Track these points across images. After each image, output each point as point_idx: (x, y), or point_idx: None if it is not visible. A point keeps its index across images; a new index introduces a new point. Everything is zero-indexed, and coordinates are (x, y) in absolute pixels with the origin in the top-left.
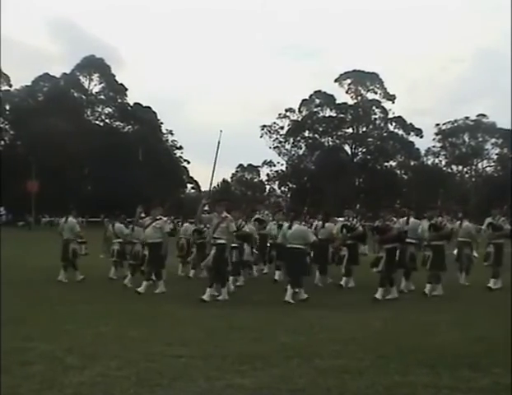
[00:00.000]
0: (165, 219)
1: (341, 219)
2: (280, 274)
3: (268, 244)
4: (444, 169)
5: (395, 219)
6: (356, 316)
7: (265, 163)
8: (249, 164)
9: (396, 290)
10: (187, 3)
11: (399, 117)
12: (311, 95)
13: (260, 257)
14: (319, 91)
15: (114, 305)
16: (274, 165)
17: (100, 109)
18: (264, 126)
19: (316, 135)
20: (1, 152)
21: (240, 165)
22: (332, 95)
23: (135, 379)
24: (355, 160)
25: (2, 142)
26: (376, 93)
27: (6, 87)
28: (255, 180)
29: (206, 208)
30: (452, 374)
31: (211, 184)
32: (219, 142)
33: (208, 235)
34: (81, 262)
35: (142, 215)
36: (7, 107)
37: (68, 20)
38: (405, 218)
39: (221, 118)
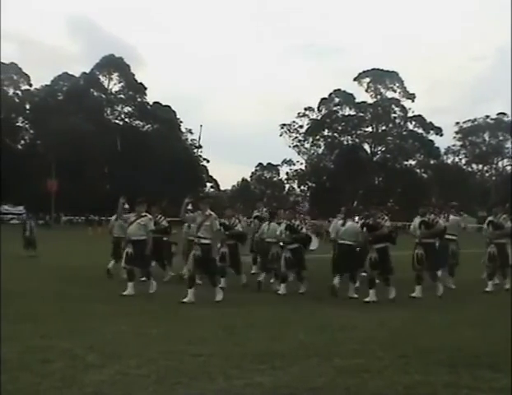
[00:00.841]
0: (149, 216)
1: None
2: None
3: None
4: (464, 167)
5: (386, 217)
6: (375, 315)
7: (284, 162)
8: (269, 163)
9: (393, 291)
10: (206, 2)
11: (419, 115)
12: (330, 94)
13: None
14: (339, 90)
15: (134, 304)
16: (293, 164)
17: (119, 108)
18: (284, 125)
19: (335, 134)
20: (21, 151)
21: (260, 164)
22: (351, 94)
23: (154, 378)
24: (374, 158)
25: (22, 141)
26: (396, 92)
27: (26, 86)
28: (274, 179)
29: (189, 207)
30: (472, 374)
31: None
32: (201, 126)
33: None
34: (105, 261)
35: (126, 206)
36: (27, 106)
37: (88, 19)
38: (446, 214)
39: (241, 116)
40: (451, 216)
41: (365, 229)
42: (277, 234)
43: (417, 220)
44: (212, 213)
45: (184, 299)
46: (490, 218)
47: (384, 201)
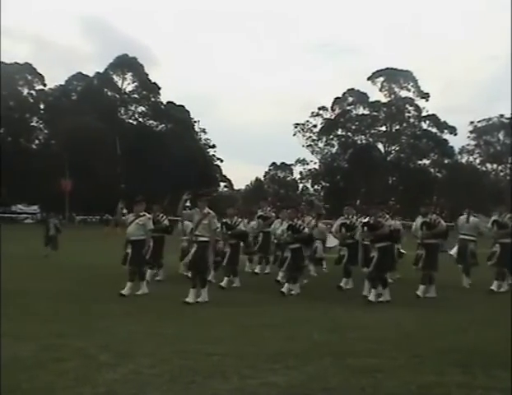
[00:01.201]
0: (148, 215)
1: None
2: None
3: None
4: (479, 167)
5: (387, 216)
6: (389, 315)
7: (298, 161)
8: (282, 163)
9: (388, 293)
10: (220, 2)
11: (433, 115)
12: (344, 94)
13: (263, 256)
14: (352, 89)
15: (148, 303)
16: (307, 164)
17: (133, 108)
18: (297, 124)
19: (349, 133)
20: (35, 151)
21: (273, 164)
22: (365, 93)
23: (168, 377)
24: (388, 158)
25: (37, 141)
26: (409, 91)
27: (41, 86)
28: (288, 179)
29: (187, 204)
30: (486, 374)
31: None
32: (117, 138)
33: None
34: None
35: (124, 211)
36: (42, 106)
37: (102, 20)
38: (465, 216)
39: (254, 116)
40: (471, 218)
41: (365, 228)
42: (279, 234)
43: (419, 220)
44: (211, 211)
45: (186, 299)
46: (494, 217)
47: (386, 199)
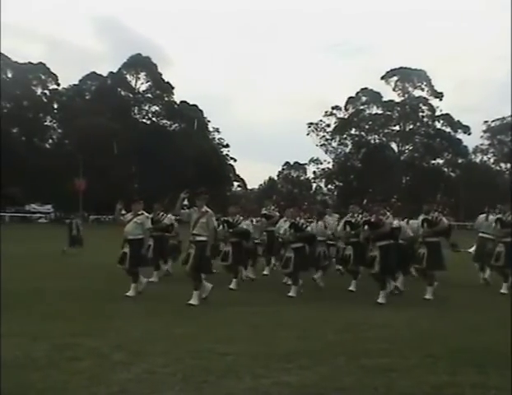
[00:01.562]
0: (146, 214)
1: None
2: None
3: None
4: (493, 166)
5: (388, 213)
6: (402, 314)
7: (311, 161)
8: (296, 162)
9: (384, 296)
10: (233, 2)
11: (447, 114)
12: (357, 93)
13: (267, 255)
14: (366, 89)
15: (161, 302)
16: (321, 163)
17: (146, 108)
18: (311, 123)
19: (362, 133)
20: (49, 150)
21: (287, 163)
22: (378, 93)
23: (181, 376)
24: (401, 157)
25: (50, 141)
26: (423, 90)
27: (54, 86)
28: (301, 178)
29: (185, 203)
30: (500, 374)
31: None
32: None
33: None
34: None
35: (123, 212)
36: (55, 106)
37: (115, 20)
38: (485, 214)
39: (268, 115)
40: (490, 216)
41: (366, 226)
42: (281, 233)
43: (421, 218)
44: (209, 210)
45: (190, 301)
46: (498, 216)
47: (388, 197)
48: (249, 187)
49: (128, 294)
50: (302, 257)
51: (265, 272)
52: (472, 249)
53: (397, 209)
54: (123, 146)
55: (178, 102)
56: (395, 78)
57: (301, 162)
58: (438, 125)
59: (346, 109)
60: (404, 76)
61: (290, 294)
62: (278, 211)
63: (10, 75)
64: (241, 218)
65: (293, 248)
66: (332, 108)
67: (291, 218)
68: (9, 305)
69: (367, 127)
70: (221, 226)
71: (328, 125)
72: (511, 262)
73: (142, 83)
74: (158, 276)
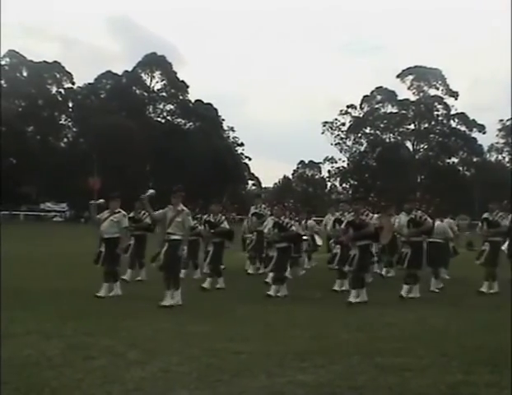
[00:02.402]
0: (123, 212)
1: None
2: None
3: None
4: (508, 165)
5: (371, 214)
6: (416, 313)
7: (326, 159)
8: (310, 161)
9: (365, 294)
10: (247, 1)
11: (462, 113)
12: (372, 92)
13: (257, 255)
14: (381, 87)
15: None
16: (335, 162)
17: (161, 106)
18: (326, 122)
19: (377, 131)
20: (64, 149)
21: (301, 162)
22: (393, 92)
23: (196, 375)
24: (417, 156)
25: (65, 140)
26: (438, 89)
27: (69, 85)
28: (316, 177)
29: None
30: None
31: None
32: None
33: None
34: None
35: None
36: (70, 104)
37: (129, 19)
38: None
39: (283, 114)
40: (510, 215)
41: (350, 229)
42: (266, 233)
43: (403, 217)
44: (185, 208)
45: (162, 303)
46: (485, 215)
47: (366, 195)
48: (263, 185)
49: (98, 294)
50: (286, 258)
51: (249, 271)
52: (504, 246)
53: (413, 207)
54: (137, 145)
55: (192, 101)
56: (410, 77)
57: (316, 161)
58: (453, 124)
59: (361, 108)
60: (419, 74)
61: (269, 292)
62: (270, 211)
63: (25, 74)
64: (223, 217)
65: (277, 247)
66: (347, 106)
67: (275, 217)
68: (23, 304)
69: (382, 125)
70: (203, 226)
71: (343, 124)
72: (495, 262)
73: (157, 82)
74: (131, 276)
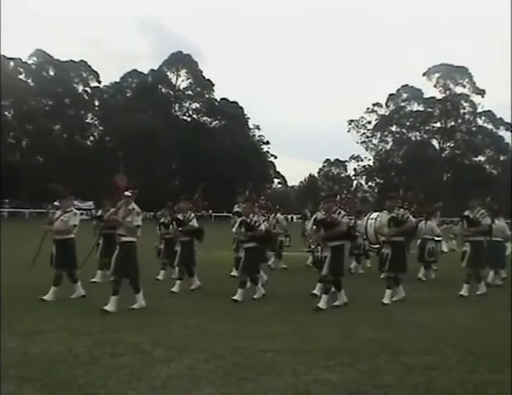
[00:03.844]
0: (75, 211)
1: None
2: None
3: None
4: None
5: (343, 212)
6: (443, 312)
7: (352, 158)
8: (336, 159)
9: (343, 296)
10: (272, 1)
11: (488, 111)
12: (398, 90)
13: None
14: (406, 86)
15: (200, 299)
16: (361, 160)
17: (187, 105)
18: (351, 121)
19: (403, 130)
20: (90, 148)
21: (327, 160)
22: (419, 90)
23: (222, 373)
24: (443, 154)
25: (92, 138)
26: (465, 87)
27: (96, 84)
28: (342, 175)
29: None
30: None
31: None
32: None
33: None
34: None
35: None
36: (96, 103)
37: (155, 20)
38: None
39: (309, 112)
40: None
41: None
42: (233, 232)
43: (384, 215)
44: (136, 207)
45: (105, 307)
46: (466, 213)
47: (337, 193)
48: (289, 184)
49: (44, 297)
50: (255, 258)
51: (233, 273)
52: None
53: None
54: (163, 143)
55: (218, 99)
56: (437, 75)
57: (342, 159)
58: (479, 122)
59: (387, 106)
60: (446, 72)
61: (234, 297)
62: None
63: (52, 73)
64: (192, 215)
65: (245, 248)
66: (373, 105)
67: (244, 215)
68: (51, 301)
69: (408, 124)
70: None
71: (369, 122)
72: (478, 263)
73: (183, 80)
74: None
